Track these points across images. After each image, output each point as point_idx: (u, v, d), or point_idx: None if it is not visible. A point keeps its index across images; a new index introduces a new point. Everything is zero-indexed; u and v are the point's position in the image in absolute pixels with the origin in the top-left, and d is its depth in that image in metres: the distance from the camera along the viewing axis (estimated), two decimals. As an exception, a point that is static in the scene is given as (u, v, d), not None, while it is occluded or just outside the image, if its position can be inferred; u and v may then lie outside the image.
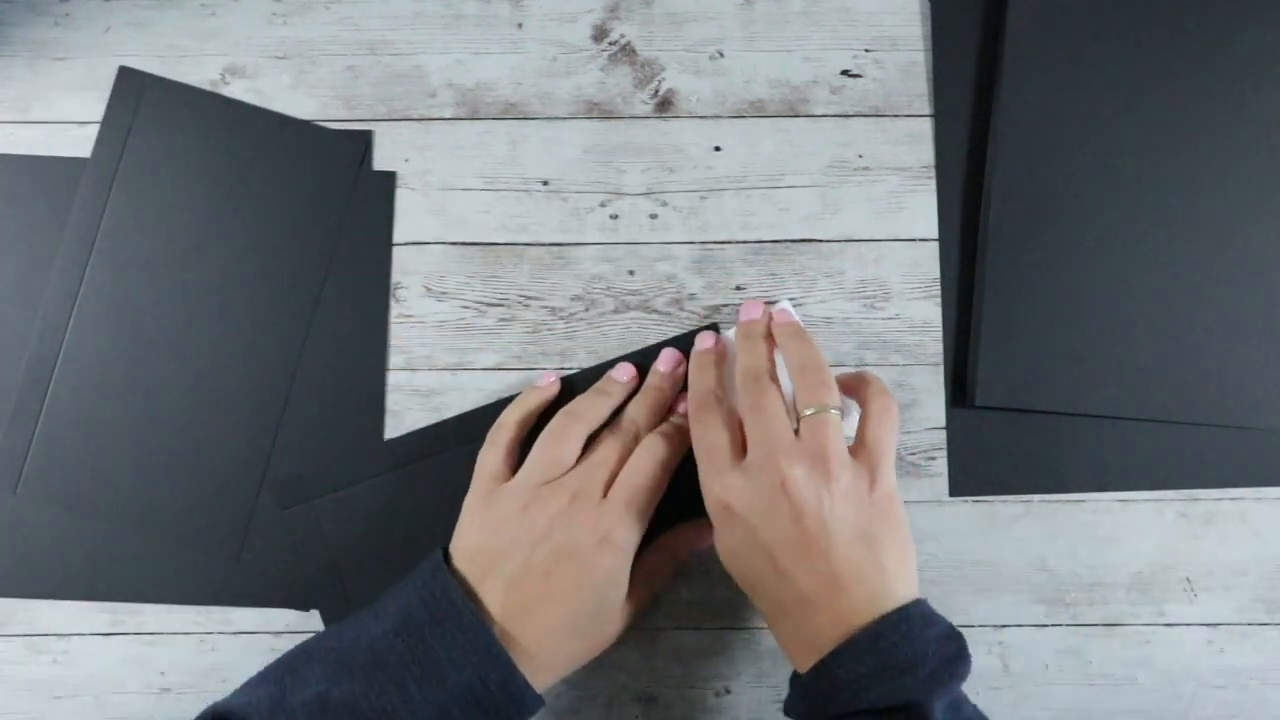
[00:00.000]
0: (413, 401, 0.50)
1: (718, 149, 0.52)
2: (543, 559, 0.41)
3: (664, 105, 0.52)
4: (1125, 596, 0.49)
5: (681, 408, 0.47)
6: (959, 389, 0.50)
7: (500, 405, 0.48)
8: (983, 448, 0.50)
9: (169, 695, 0.48)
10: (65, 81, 0.52)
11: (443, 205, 0.51)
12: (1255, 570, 0.49)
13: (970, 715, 0.38)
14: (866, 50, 0.53)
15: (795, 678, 0.40)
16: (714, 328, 0.49)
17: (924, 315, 0.51)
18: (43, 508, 0.48)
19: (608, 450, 0.44)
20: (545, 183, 0.52)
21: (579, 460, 0.44)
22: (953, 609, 0.49)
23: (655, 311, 0.51)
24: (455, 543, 0.43)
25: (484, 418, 0.47)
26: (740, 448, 0.41)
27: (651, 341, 0.50)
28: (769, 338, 0.45)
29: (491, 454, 0.45)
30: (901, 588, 0.39)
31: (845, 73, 0.53)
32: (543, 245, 0.51)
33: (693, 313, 0.51)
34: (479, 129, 0.52)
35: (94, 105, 0.51)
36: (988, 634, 0.49)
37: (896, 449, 0.47)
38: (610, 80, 0.53)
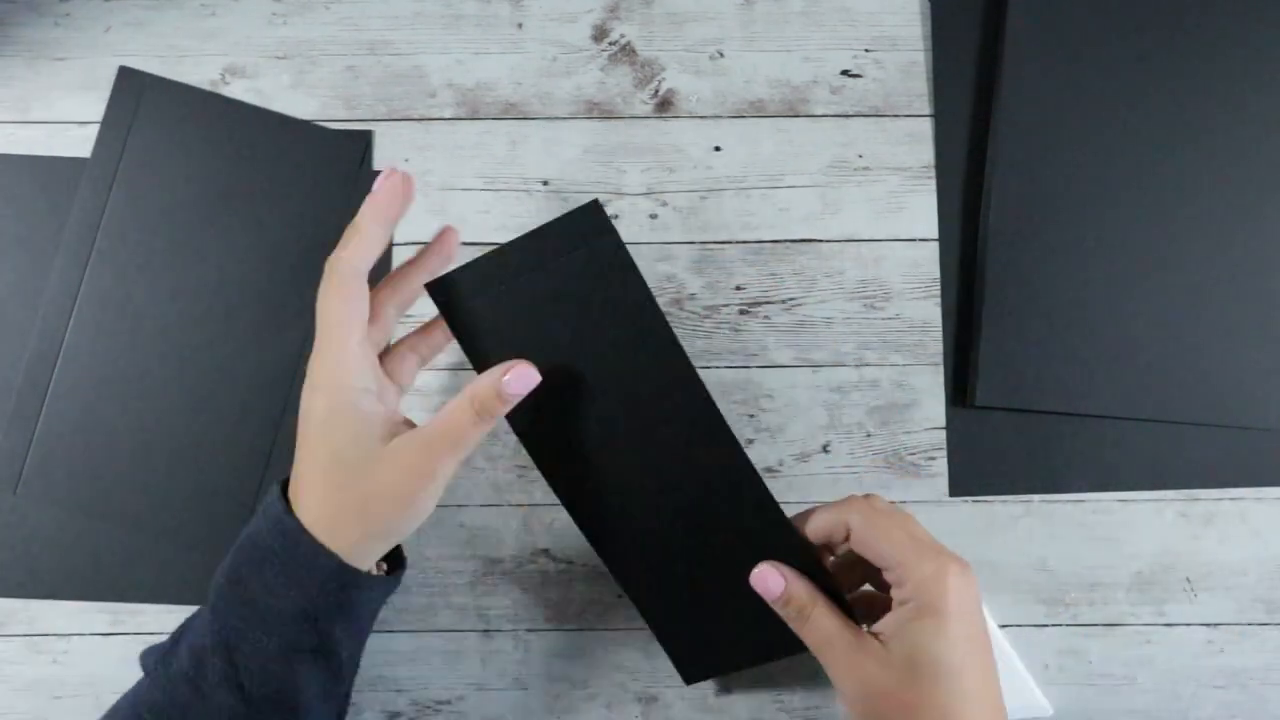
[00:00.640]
0: (413, 401, 0.50)
1: (718, 149, 0.52)
2: (300, 417, 0.39)
3: (664, 105, 0.52)
4: (1125, 596, 0.49)
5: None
6: (959, 389, 0.50)
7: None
8: (983, 448, 0.50)
9: (169, 695, 0.48)
10: (65, 81, 0.52)
11: (443, 205, 0.51)
12: (1255, 570, 0.49)
13: None
14: (866, 50, 0.53)
15: None
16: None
17: (924, 315, 0.51)
18: (43, 508, 0.48)
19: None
20: (545, 183, 0.52)
21: None
22: (953, 609, 0.49)
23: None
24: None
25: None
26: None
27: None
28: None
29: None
30: None
31: (845, 73, 0.53)
32: (543, 245, 0.51)
33: (693, 312, 0.51)
34: (479, 129, 0.52)
35: (94, 105, 0.51)
36: (988, 634, 0.49)
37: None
38: (610, 80, 0.53)
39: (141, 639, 0.48)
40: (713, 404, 0.39)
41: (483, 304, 0.39)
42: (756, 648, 0.42)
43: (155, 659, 0.39)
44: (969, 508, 0.50)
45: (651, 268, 0.51)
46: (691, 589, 0.42)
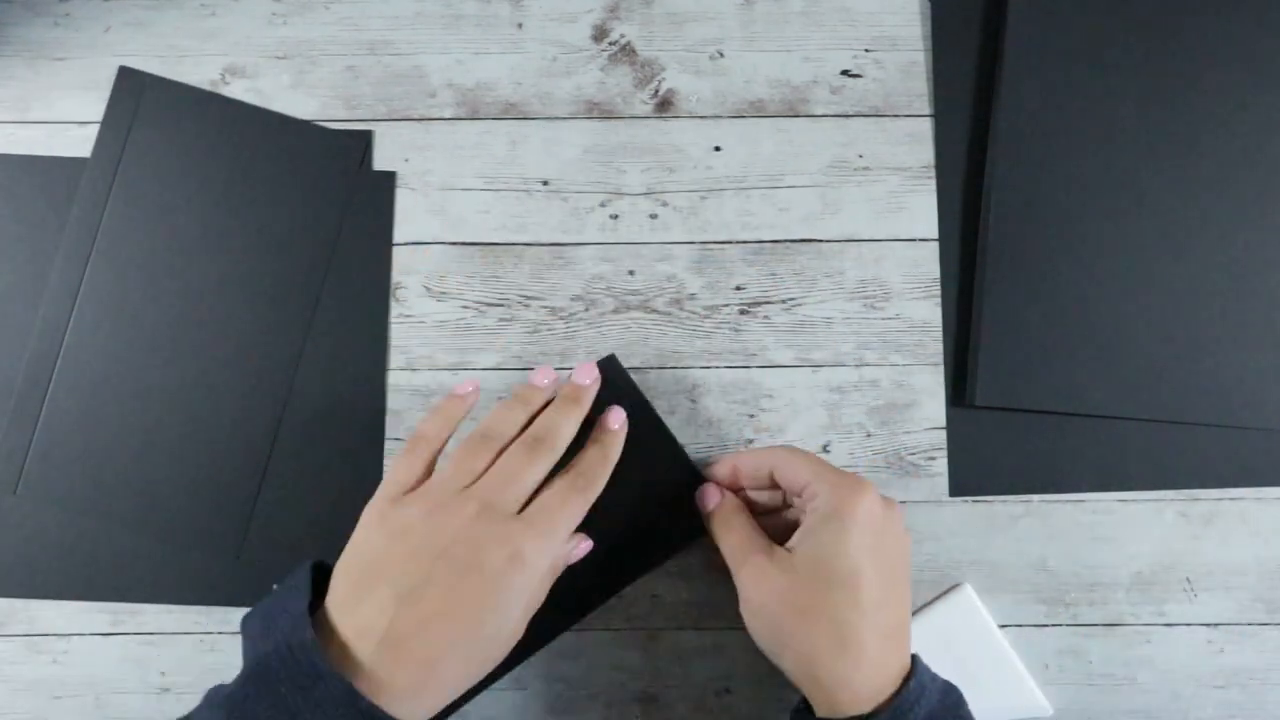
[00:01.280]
0: (413, 401, 0.50)
1: (718, 149, 0.52)
2: (444, 573, 0.37)
3: (664, 105, 0.52)
4: (1125, 596, 0.49)
5: (613, 423, 0.44)
6: (959, 389, 0.50)
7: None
8: (983, 448, 0.50)
9: (169, 695, 0.48)
10: (65, 81, 0.52)
11: (443, 205, 0.51)
12: (1255, 570, 0.49)
13: None
14: (866, 50, 0.53)
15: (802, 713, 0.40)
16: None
17: (924, 315, 0.51)
18: (43, 508, 0.48)
19: (521, 460, 0.41)
20: (545, 183, 0.52)
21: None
22: (953, 609, 0.49)
23: (655, 311, 0.51)
24: (346, 551, 0.39)
25: None
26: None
27: (652, 342, 0.50)
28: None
29: (405, 463, 0.41)
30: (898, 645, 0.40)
31: (845, 73, 0.53)
32: (543, 245, 0.51)
33: (692, 312, 0.51)
34: (479, 129, 0.52)
35: (94, 105, 0.51)
36: (988, 634, 0.49)
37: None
38: (610, 80, 0.53)
39: (141, 639, 0.48)
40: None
41: None
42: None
43: None
44: (969, 508, 0.50)
45: (651, 268, 0.51)
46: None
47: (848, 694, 0.38)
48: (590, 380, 0.45)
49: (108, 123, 0.51)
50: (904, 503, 0.49)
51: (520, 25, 0.53)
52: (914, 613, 0.48)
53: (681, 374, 0.50)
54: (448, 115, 0.52)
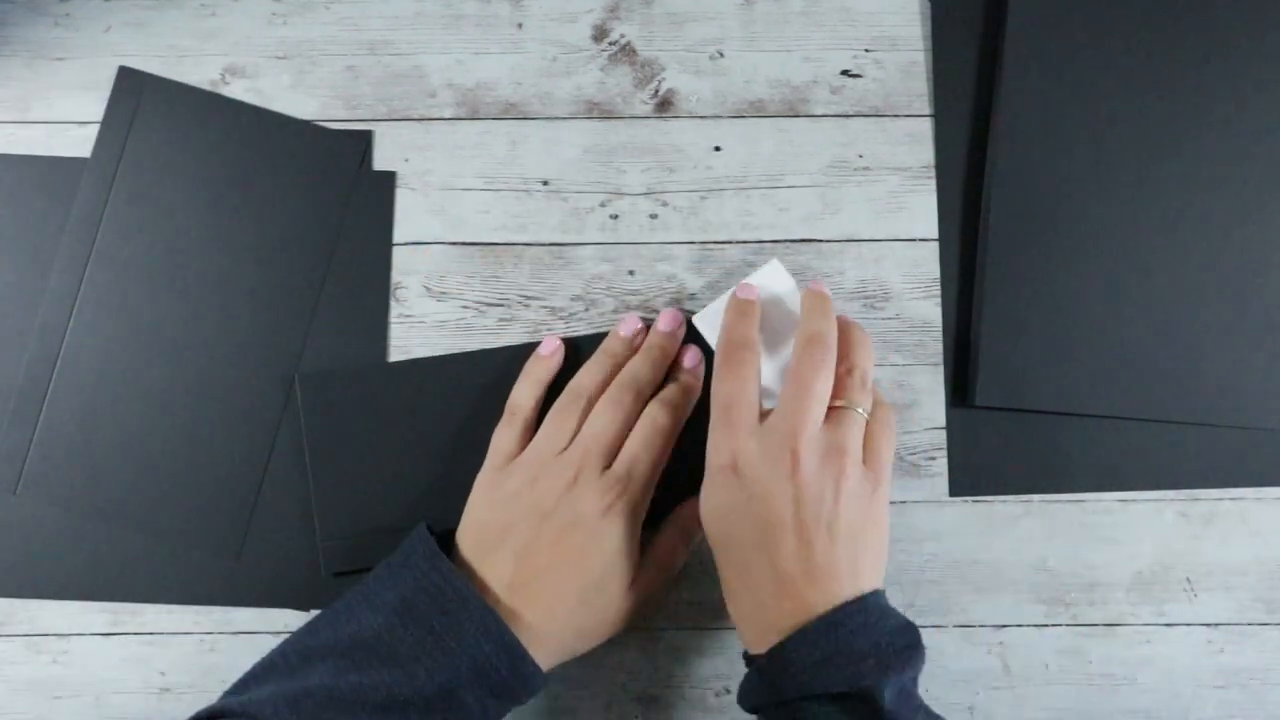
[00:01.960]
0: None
1: (718, 149, 0.52)
2: (551, 530, 0.42)
3: (664, 105, 0.52)
4: (1125, 596, 0.49)
5: (688, 362, 0.47)
6: (959, 389, 0.50)
7: (494, 355, 0.49)
8: (983, 448, 0.50)
9: (169, 695, 0.48)
10: (65, 81, 0.52)
11: (443, 205, 0.51)
12: (1255, 570, 0.49)
13: (920, 705, 0.39)
14: (866, 50, 0.53)
15: (749, 659, 0.41)
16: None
17: (924, 315, 0.51)
18: (43, 508, 0.48)
19: (608, 417, 0.44)
20: (545, 183, 0.52)
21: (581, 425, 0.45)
22: (952, 609, 0.49)
23: (655, 311, 0.50)
24: (465, 518, 0.44)
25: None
26: (760, 410, 0.42)
27: (651, 341, 0.50)
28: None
29: (507, 433, 0.46)
30: (867, 583, 0.40)
31: (845, 73, 0.53)
32: (543, 245, 0.51)
33: (692, 312, 0.51)
34: (479, 129, 0.52)
35: (94, 105, 0.51)
36: (988, 634, 0.49)
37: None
38: (610, 80, 0.53)
39: (141, 639, 0.48)
40: None
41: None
42: None
43: None
44: (969, 508, 0.50)
45: (651, 268, 0.51)
46: None
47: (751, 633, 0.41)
48: (671, 327, 0.47)
49: (108, 123, 0.51)
50: (904, 503, 0.49)
51: (520, 25, 0.53)
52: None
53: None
54: (448, 115, 0.52)
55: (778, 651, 0.38)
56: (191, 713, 0.39)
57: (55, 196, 0.50)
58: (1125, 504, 0.50)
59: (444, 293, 0.51)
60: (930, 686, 0.48)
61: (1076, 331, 0.49)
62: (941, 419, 0.50)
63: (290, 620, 0.48)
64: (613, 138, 0.52)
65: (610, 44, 0.53)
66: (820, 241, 0.51)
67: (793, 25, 0.53)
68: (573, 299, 0.51)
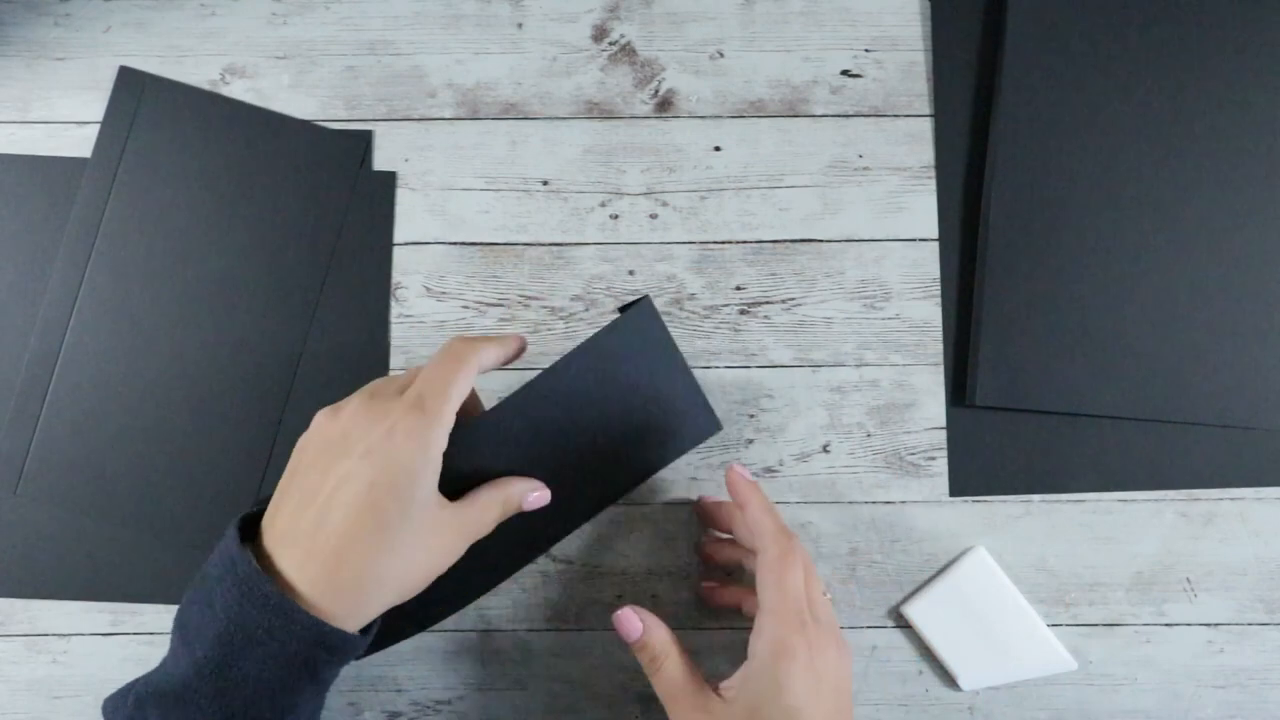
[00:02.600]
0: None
1: (718, 149, 0.52)
2: (328, 458, 0.38)
3: (664, 105, 0.52)
4: (1125, 596, 0.49)
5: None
6: (959, 389, 0.50)
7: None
8: (983, 448, 0.50)
9: (169, 695, 0.48)
10: (65, 81, 0.52)
11: (443, 205, 0.51)
12: (1255, 570, 0.49)
13: None
14: (866, 50, 0.53)
15: None
16: None
17: (924, 315, 0.51)
18: (43, 508, 0.48)
19: (409, 371, 0.41)
20: (545, 183, 0.52)
21: None
22: (953, 609, 0.49)
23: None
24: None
25: None
26: None
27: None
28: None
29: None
30: None
31: (845, 73, 0.53)
32: (543, 245, 0.51)
33: (692, 312, 0.51)
34: (479, 129, 0.52)
35: (94, 105, 0.51)
36: (988, 634, 0.49)
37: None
38: (610, 80, 0.53)
39: (142, 639, 0.48)
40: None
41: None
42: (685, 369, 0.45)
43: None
44: (969, 508, 0.50)
45: (651, 268, 0.51)
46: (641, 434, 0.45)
47: None
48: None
49: (108, 123, 0.51)
50: (904, 503, 0.49)
51: (520, 25, 0.53)
52: (931, 578, 0.49)
53: None
54: (448, 115, 0.52)
55: None
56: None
57: (55, 196, 0.50)
58: (1125, 504, 0.50)
59: (444, 293, 0.51)
60: (930, 687, 0.48)
61: (1076, 331, 0.49)
62: (941, 419, 0.50)
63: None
64: (613, 138, 0.52)
65: (610, 44, 0.53)
66: (820, 241, 0.51)
67: (793, 25, 0.53)
68: (573, 299, 0.51)
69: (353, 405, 0.39)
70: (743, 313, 0.51)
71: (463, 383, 0.39)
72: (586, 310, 0.51)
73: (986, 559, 0.48)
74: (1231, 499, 0.50)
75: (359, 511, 0.36)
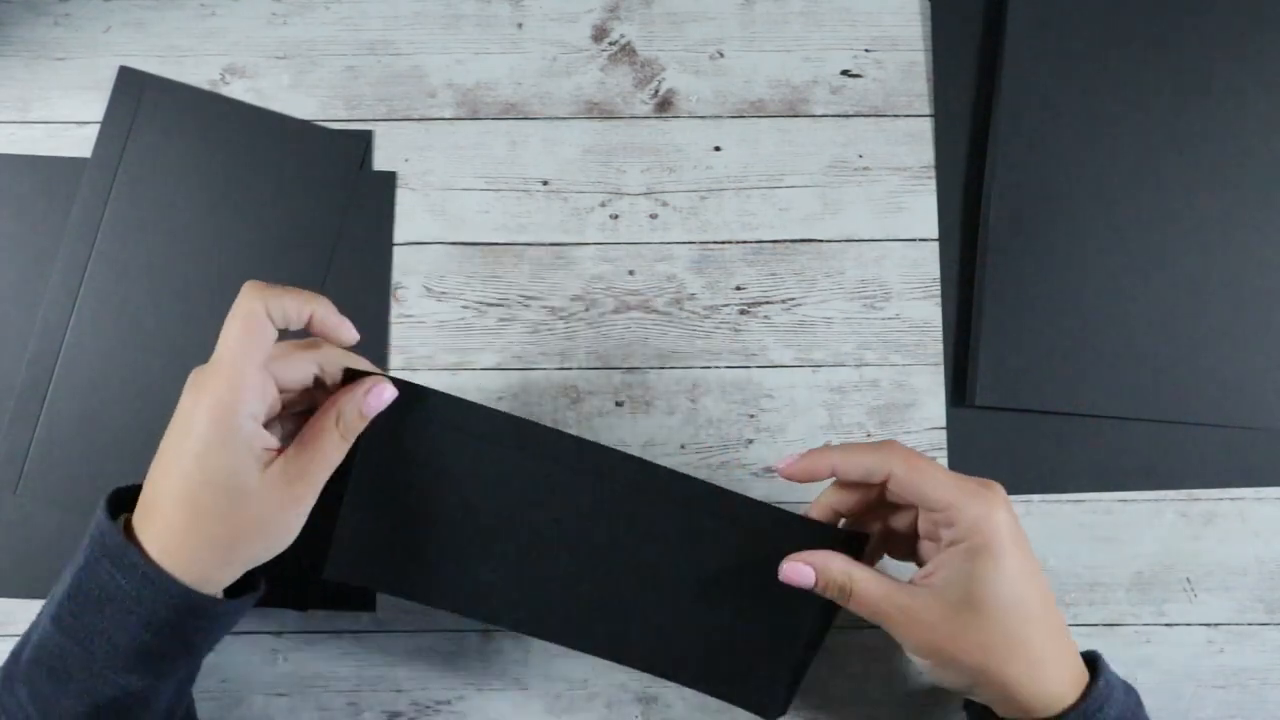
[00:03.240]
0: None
1: (718, 149, 0.52)
2: (171, 437, 0.38)
3: (664, 105, 0.52)
4: (1125, 596, 0.49)
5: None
6: (959, 389, 0.50)
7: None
8: (983, 448, 0.50)
9: (169, 695, 0.48)
10: (65, 81, 0.52)
11: (443, 205, 0.51)
12: (1255, 570, 0.49)
13: None
14: (866, 50, 0.53)
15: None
16: None
17: (924, 315, 0.51)
18: (43, 508, 0.48)
19: None
20: (545, 183, 0.52)
21: None
22: (953, 609, 0.49)
23: (655, 311, 0.51)
24: None
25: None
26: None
27: (652, 342, 0.50)
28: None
29: None
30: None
31: (845, 73, 0.53)
32: (543, 245, 0.51)
33: (692, 312, 0.51)
34: (479, 129, 0.52)
35: (94, 105, 0.51)
36: (988, 634, 0.49)
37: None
38: (610, 80, 0.53)
39: (141, 639, 0.48)
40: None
41: (438, 434, 0.41)
42: (804, 644, 0.42)
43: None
44: (969, 508, 0.49)
45: (651, 268, 0.51)
46: (714, 634, 0.42)
47: (1032, 699, 0.38)
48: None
49: (108, 123, 0.51)
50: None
51: (520, 25, 0.53)
52: None
53: (681, 374, 0.50)
54: (448, 115, 0.52)
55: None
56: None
57: (55, 196, 0.50)
58: (1125, 504, 0.50)
59: (444, 293, 0.51)
60: (931, 687, 0.48)
61: (1076, 331, 0.49)
62: (941, 419, 0.50)
63: (290, 620, 0.48)
64: (613, 138, 0.52)
65: (610, 44, 0.53)
66: (820, 241, 0.51)
67: (793, 25, 0.53)
68: (573, 299, 0.51)
69: (194, 371, 0.39)
70: (743, 313, 0.51)
71: (252, 347, 0.38)
72: (586, 310, 0.51)
73: None
74: (1231, 499, 0.50)
75: (186, 485, 0.37)
